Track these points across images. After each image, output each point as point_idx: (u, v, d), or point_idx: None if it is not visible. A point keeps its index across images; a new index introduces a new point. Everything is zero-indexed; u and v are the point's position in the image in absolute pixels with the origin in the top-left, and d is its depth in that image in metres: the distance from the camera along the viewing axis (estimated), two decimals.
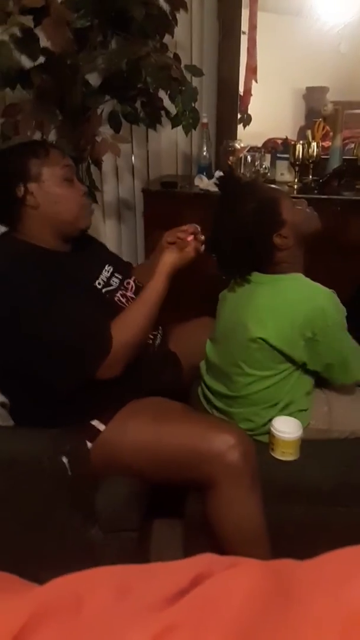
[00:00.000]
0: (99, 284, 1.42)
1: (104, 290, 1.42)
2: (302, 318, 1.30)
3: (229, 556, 0.42)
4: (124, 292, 1.46)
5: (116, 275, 1.49)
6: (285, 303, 1.34)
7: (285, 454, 1.36)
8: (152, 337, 1.52)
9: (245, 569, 0.39)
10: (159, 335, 1.57)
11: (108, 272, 1.47)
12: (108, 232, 2.52)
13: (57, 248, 1.37)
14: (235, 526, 1.27)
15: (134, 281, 1.53)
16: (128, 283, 1.50)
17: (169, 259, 1.41)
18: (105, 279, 1.45)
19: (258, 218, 1.34)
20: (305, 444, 1.37)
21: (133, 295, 1.47)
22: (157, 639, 0.34)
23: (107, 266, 1.48)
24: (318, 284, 1.34)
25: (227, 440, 1.26)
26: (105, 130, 1.96)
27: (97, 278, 1.43)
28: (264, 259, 1.38)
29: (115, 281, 1.47)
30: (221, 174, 2.05)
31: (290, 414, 1.39)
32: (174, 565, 0.42)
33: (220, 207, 1.41)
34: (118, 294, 1.44)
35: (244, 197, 1.37)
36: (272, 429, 1.35)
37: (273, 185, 1.71)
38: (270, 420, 1.38)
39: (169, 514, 1.59)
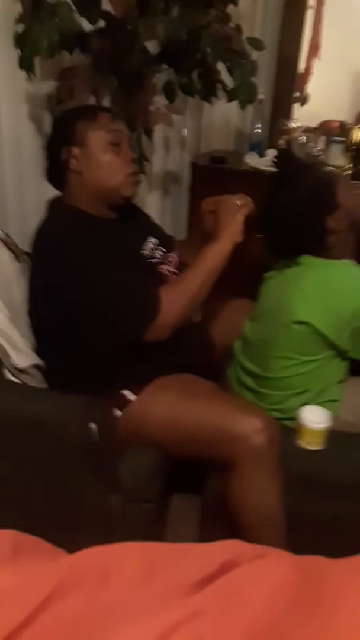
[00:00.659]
0: (143, 253, 1.42)
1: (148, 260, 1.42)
2: (352, 308, 1.29)
3: (258, 545, 0.42)
4: (167, 266, 1.46)
5: (160, 248, 1.48)
6: (335, 290, 1.32)
7: (311, 444, 1.34)
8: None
9: (275, 562, 0.39)
10: (200, 312, 1.56)
11: (152, 243, 1.47)
12: (153, 203, 2.50)
13: (103, 215, 1.37)
14: (253, 509, 1.28)
15: (177, 256, 1.52)
16: (171, 257, 1.50)
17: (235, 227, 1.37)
18: (149, 250, 1.44)
19: (313, 198, 1.32)
20: (333, 435, 1.35)
21: (176, 271, 1.46)
22: (182, 623, 0.34)
23: (150, 237, 1.47)
24: None
25: (254, 423, 1.25)
26: (160, 100, 1.93)
27: (141, 248, 1.43)
28: (314, 242, 1.35)
29: (158, 254, 1.46)
30: (276, 152, 2.00)
31: (320, 404, 1.37)
32: (203, 548, 0.42)
33: (275, 185, 1.38)
34: (161, 267, 1.44)
35: (300, 176, 1.35)
36: (300, 417, 1.34)
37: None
38: (299, 406, 1.37)
39: (187, 490, 1.61)
